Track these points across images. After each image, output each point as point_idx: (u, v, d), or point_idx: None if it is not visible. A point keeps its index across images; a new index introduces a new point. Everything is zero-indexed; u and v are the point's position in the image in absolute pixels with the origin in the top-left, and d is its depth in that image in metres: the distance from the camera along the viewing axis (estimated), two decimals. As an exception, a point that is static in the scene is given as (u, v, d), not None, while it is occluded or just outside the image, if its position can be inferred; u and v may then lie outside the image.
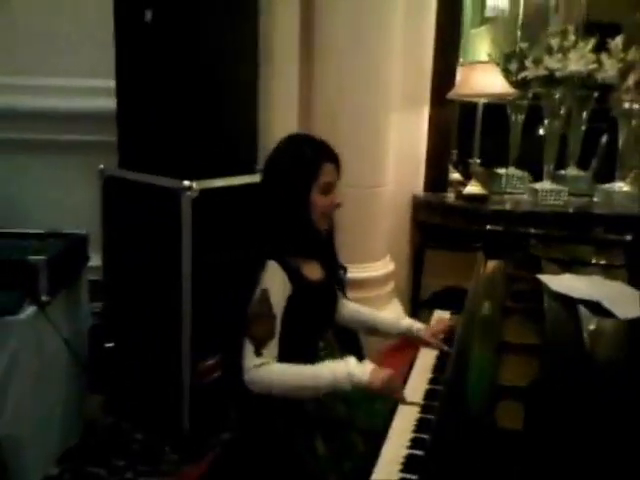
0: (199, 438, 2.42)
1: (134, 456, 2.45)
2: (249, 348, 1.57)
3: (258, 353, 1.56)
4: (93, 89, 2.88)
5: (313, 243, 1.75)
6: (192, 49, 2.36)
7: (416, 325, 1.93)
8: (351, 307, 1.95)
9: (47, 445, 2.28)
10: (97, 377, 2.59)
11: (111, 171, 2.60)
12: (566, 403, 1.15)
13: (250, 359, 1.57)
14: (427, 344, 1.88)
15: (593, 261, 2.04)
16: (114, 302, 2.67)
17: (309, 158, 1.67)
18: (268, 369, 1.56)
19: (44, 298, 2.14)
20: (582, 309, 1.52)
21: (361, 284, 3.06)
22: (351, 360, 1.61)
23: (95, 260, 2.65)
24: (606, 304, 1.54)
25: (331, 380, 1.56)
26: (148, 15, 2.39)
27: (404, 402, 1.57)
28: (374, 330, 1.96)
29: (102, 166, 2.60)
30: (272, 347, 1.58)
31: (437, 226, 3.37)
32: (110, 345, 2.60)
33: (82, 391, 2.56)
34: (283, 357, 1.60)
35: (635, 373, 1.26)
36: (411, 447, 1.38)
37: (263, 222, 1.69)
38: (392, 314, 3.19)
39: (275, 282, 1.61)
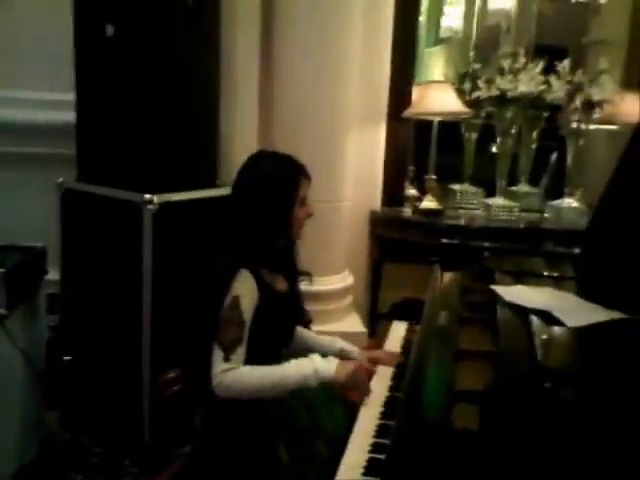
0: (159, 451, 2.40)
1: (93, 470, 2.42)
2: (218, 354, 1.60)
3: (226, 358, 1.59)
4: (52, 102, 2.86)
5: (282, 256, 1.80)
6: (153, 64, 2.38)
7: (350, 347, 1.95)
8: None
9: (3, 460, 2.24)
10: (55, 391, 2.56)
11: (70, 184, 2.59)
12: (518, 406, 1.20)
13: (218, 364, 1.59)
14: None
15: (544, 273, 2.12)
16: (72, 315, 2.64)
17: (290, 175, 1.73)
18: (235, 372, 1.60)
19: (2, 311, 2.11)
20: (534, 318, 1.59)
21: (320, 297, 3.10)
22: (316, 357, 1.66)
23: (53, 274, 2.63)
24: (556, 314, 1.60)
25: (298, 377, 1.61)
26: (109, 30, 2.40)
27: (368, 394, 1.64)
28: (311, 350, 1.98)
29: (61, 179, 2.59)
30: (240, 353, 1.61)
31: (394, 240, 3.45)
32: (68, 358, 2.57)
33: (39, 405, 2.52)
34: (248, 364, 1.63)
35: (581, 378, 1.33)
36: (372, 451, 1.42)
37: (237, 235, 1.73)
38: (351, 327, 3.26)
39: (246, 290, 1.64)
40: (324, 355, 1.96)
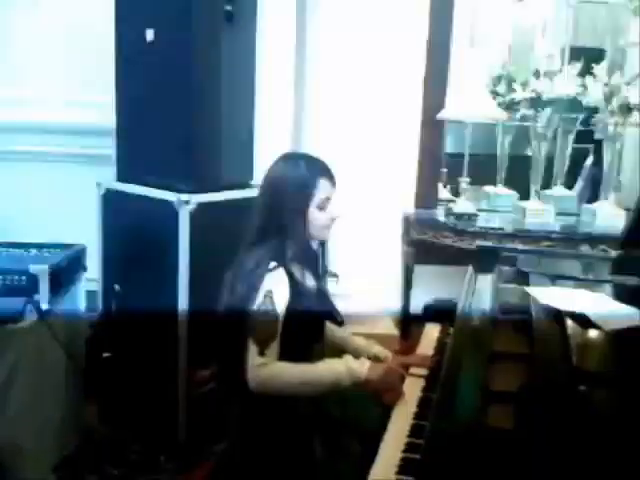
0: (195, 448, 2.45)
1: (130, 465, 2.48)
2: (252, 348, 1.63)
3: (261, 353, 1.62)
4: (92, 104, 2.93)
5: (309, 253, 1.82)
6: (191, 68, 2.43)
7: (384, 353, 1.97)
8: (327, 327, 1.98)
9: (45, 453, 2.30)
10: (94, 386, 2.62)
11: (109, 184, 2.65)
12: (553, 407, 1.21)
13: (253, 359, 1.62)
14: None
15: (580, 276, 2.11)
16: (111, 313, 2.70)
17: (305, 176, 1.74)
18: (271, 368, 1.62)
19: (45, 306, 2.17)
20: (569, 320, 1.58)
21: (352, 299, 3.11)
22: (349, 357, 1.69)
23: (92, 271, 2.69)
24: (593, 316, 1.60)
25: (332, 377, 1.64)
26: (150, 34, 2.45)
27: (401, 397, 1.65)
28: (344, 350, 1.99)
29: (101, 179, 2.65)
30: (274, 347, 1.64)
31: (427, 243, 3.44)
32: (107, 355, 2.63)
33: (79, 400, 2.59)
34: (281, 359, 1.66)
35: (619, 380, 1.32)
36: (406, 451, 1.43)
37: (265, 233, 1.76)
38: (383, 329, 3.27)
39: (278, 285, 1.67)
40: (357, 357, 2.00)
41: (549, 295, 1.76)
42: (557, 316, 1.61)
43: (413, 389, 1.74)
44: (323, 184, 1.75)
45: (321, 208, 1.75)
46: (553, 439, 1.10)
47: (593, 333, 1.55)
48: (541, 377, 1.32)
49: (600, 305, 1.72)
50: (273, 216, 1.75)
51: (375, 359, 1.96)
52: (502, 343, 1.61)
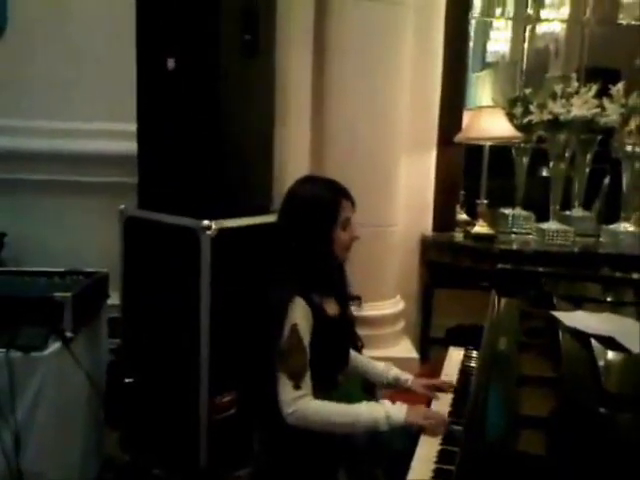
0: (216, 474, 2.44)
1: (151, 492, 2.48)
2: (287, 383, 1.63)
3: (297, 387, 1.63)
4: (114, 132, 2.97)
5: (332, 279, 1.82)
6: (212, 97, 2.45)
7: (404, 376, 1.97)
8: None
9: (67, 479, 2.30)
10: (115, 412, 2.62)
11: (131, 211, 2.67)
12: (585, 432, 1.19)
13: (289, 393, 1.63)
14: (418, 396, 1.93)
15: (604, 298, 2.10)
16: (133, 339, 2.71)
17: (329, 198, 1.77)
18: (309, 403, 1.64)
19: (69, 334, 2.18)
20: (596, 344, 1.57)
21: (372, 322, 3.11)
22: (387, 402, 1.69)
23: (114, 298, 2.71)
24: (620, 339, 1.59)
25: (371, 421, 1.63)
26: (171, 63, 2.49)
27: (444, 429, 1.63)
28: (365, 376, 2.00)
29: (123, 206, 2.67)
30: (308, 379, 1.65)
31: (446, 265, 3.44)
32: (129, 381, 2.63)
33: (101, 427, 2.59)
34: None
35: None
36: (434, 477, 1.43)
37: (287, 261, 1.76)
38: (403, 353, 3.25)
39: (302, 317, 1.67)
40: (378, 382, 1.99)
41: (574, 318, 1.75)
42: (584, 339, 1.61)
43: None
44: (345, 204, 1.78)
45: (344, 228, 1.77)
46: (583, 465, 1.09)
47: (621, 356, 1.54)
48: (570, 400, 1.31)
49: (626, 328, 1.71)
50: (296, 239, 1.76)
51: (395, 382, 1.96)
52: (530, 367, 1.60)
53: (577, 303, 1.95)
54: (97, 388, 2.45)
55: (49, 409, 2.12)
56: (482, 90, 5.34)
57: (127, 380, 2.62)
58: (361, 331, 2.10)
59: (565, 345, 1.59)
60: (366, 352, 2.13)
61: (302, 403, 1.63)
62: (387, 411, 1.64)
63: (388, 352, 3.10)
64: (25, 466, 2.09)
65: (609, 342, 1.58)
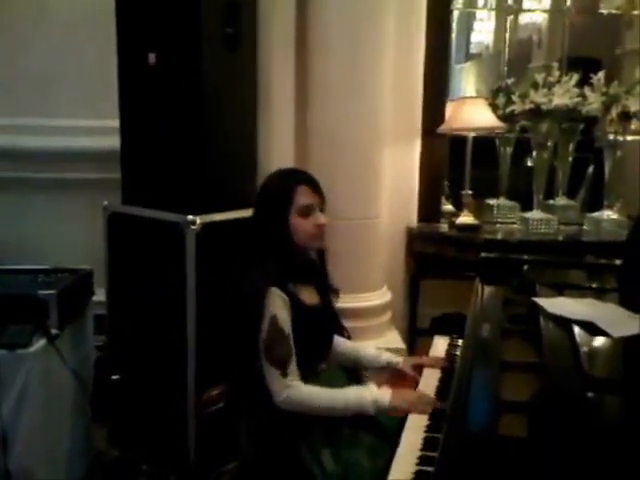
0: (204, 468, 2.44)
1: (140, 487, 2.48)
2: (274, 373, 1.66)
3: (284, 374, 1.65)
4: (97, 129, 2.96)
5: (304, 267, 1.83)
6: (194, 91, 2.45)
7: (395, 359, 2.01)
8: (335, 340, 1.99)
9: (55, 476, 2.30)
10: (102, 409, 2.62)
11: (115, 207, 2.67)
12: (566, 415, 1.21)
13: (279, 381, 1.66)
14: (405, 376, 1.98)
15: (586, 285, 2.12)
16: (119, 335, 2.71)
17: (282, 184, 1.79)
18: (299, 388, 1.67)
19: (54, 331, 2.18)
20: (577, 329, 1.59)
21: (359, 314, 3.11)
22: (373, 387, 1.72)
23: (99, 295, 2.70)
24: (600, 324, 1.61)
25: (358, 405, 1.68)
26: (152, 58, 2.48)
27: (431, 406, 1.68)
28: (357, 363, 2.02)
29: (106, 202, 2.67)
30: (294, 366, 1.68)
31: (431, 256, 3.45)
32: (116, 377, 2.63)
33: (88, 423, 2.59)
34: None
35: (628, 387, 1.33)
36: (420, 464, 1.44)
37: (258, 251, 1.77)
38: (391, 343, 3.26)
39: (280, 306, 1.69)
40: (370, 367, 2.01)
41: (556, 304, 1.77)
42: (565, 324, 1.63)
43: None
44: (301, 190, 1.77)
45: (303, 215, 1.76)
46: (565, 447, 1.10)
47: (602, 341, 1.56)
48: (553, 386, 1.33)
49: (608, 313, 1.73)
50: (260, 230, 1.79)
51: (388, 366, 1.98)
52: (512, 353, 1.62)
53: (559, 290, 1.96)
54: (84, 385, 2.45)
55: (35, 406, 2.13)
56: (466, 81, 5.37)
57: (114, 377, 2.62)
58: (348, 323, 2.11)
59: (546, 331, 1.61)
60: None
61: (292, 389, 1.66)
62: (374, 395, 1.68)
63: (376, 343, 3.09)
64: (12, 463, 2.09)
65: (590, 327, 1.60)
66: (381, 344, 3.13)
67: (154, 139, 2.55)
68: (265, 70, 2.98)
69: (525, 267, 2.24)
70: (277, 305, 1.69)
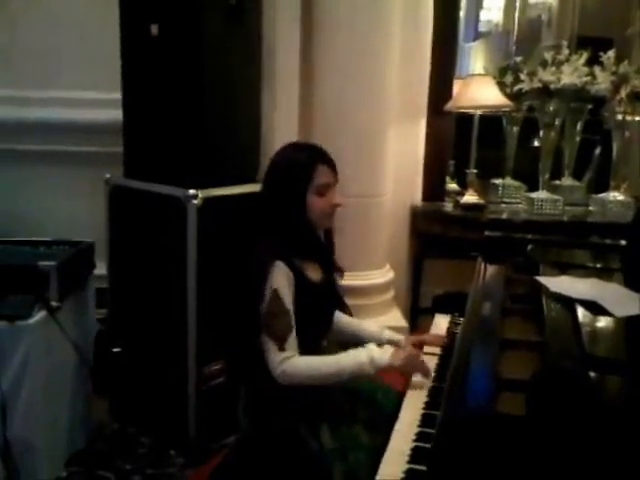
0: (204, 442, 2.45)
1: (141, 460, 2.48)
2: (272, 346, 1.64)
3: (281, 348, 1.64)
4: (99, 101, 2.93)
5: (312, 244, 1.82)
6: (197, 63, 2.42)
7: (396, 337, 1.98)
8: (336, 316, 1.97)
9: (56, 448, 2.32)
10: (103, 382, 2.63)
11: (117, 181, 2.65)
12: (566, 393, 1.20)
13: (276, 355, 1.64)
14: None
15: (590, 265, 2.10)
16: (120, 308, 2.71)
17: (303, 161, 1.74)
18: (295, 361, 1.65)
19: (54, 303, 2.18)
20: (580, 308, 1.58)
21: (362, 292, 3.11)
22: (372, 347, 1.70)
23: (101, 268, 2.70)
24: (603, 303, 1.59)
25: (355, 367, 1.66)
26: (154, 29, 2.45)
27: (429, 375, 1.70)
28: (358, 340, 2.00)
29: (108, 176, 2.65)
30: (292, 340, 1.66)
31: (435, 235, 3.43)
32: (117, 350, 2.64)
33: (89, 395, 2.60)
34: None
35: (630, 366, 1.32)
36: (417, 440, 1.43)
37: (267, 226, 1.76)
38: (393, 322, 3.25)
39: (283, 281, 1.67)
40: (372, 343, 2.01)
41: (559, 283, 1.76)
42: (568, 303, 1.61)
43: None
44: (322, 169, 1.74)
45: (320, 194, 1.74)
46: (563, 426, 1.10)
47: (604, 320, 1.54)
48: (554, 363, 1.32)
49: (610, 292, 1.72)
50: (273, 204, 1.75)
51: (389, 343, 1.97)
52: (513, 331, 1.61)
53: (563, 269, 1.95)
54: (84, 357, 2.45)
55: (35, 378, 2.13)
56: (475, 60, 5.30)
57: (115, 350, 2.63)
58: (351, 301, 2.10)
59: (548, 309, 1.59)
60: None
61: (289, 363, 1.64)
62: (371, 355, 1.66)
63: (378, 321, 3.10)
64: (12, 435, 2.10)
65: (592, 306, 1.59)
66: (383, 322, 3.14)
67: (157, 112, 2.53)
68: (269, 43, 2.94)
69: (530, 246, 2.22)
70: (280, 279, 1.67)
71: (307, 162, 1.73)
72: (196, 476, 2.16)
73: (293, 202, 1.73)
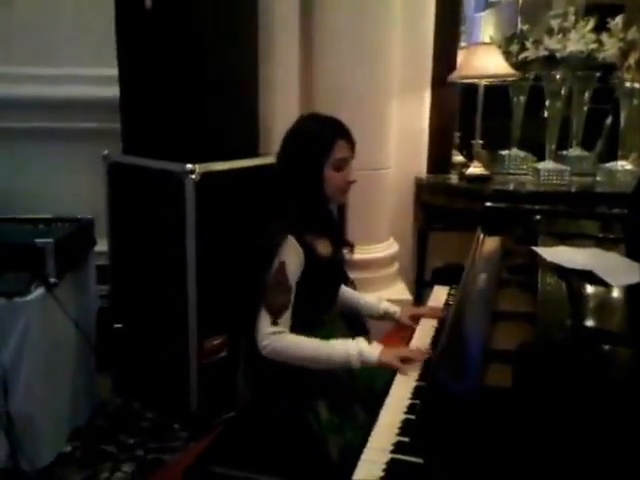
0: (207, 415, 2.46)
1: (144, 434, 2.51)
2: (265, 317, 1.63)
3: (274, 322, 1.63)
4: (96, 77, 2.91)
5: (326, 219, 1.80)
6: (192, 35, 2.40)
7: (393, 308, 1.99)
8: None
9: (58, 424, 2.34)
10: (106, 358, 2.64)
11: (115, 157, 2.64)
12: (555, 363, 1.18)
13: (266, 327, 1.63)
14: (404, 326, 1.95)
15: (591, 234, 2.07)
16: (121, 284, 2.72)
17: (324, 134, 1.72)
18: (284, 337, 1.64)
19: (52, 280, 2.18)
20: (575, 278, 1.55)
21: (366, 265, 3.10)
22: (362, 341, 1.67)
23: (102, 245, 2.70)
24: (599, 273, 1.56)
25: (343, 358, 1.63)
26: (148, 2, 2.42)
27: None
28: (357, 311, 2.00)
29: (106, 152, 2.64)
30: (287, 317, 1.65)
31: (440, 207, 3.40)
32: (118, 326, 2.65)
33: (91, 371, 2.62)
34: (291, 330, 1.66)
35: (622, 337, 1.29)
36: (408, 412, 1.42)
37: (281, 198, 1.74)
38: (397, 294, 3.24)
39: (292, 256, 1.66)
40: (370, 315, 1.99)
41: (556, 253, 1.73)
42: (563, 274, 1.58)
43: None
44: (340, 144, 1.72)
45: (337, 169, 1.72)
46: (548, 395, 1.08)
47: (599, 290, 1.51)
48: (541, 335, 1.29)
49: (609, 262, 1.69)
50: (289, 176, 1.73)
51: (385, 315, 1.96)
52: (508, 302, 1.59)
53: (563, 239, 1.91)
54: (85, 334, 2.47)
55: (35, 354, 2.14)
56: (485, 30, 5.20)
57: (116, 325, 2.64)
58: (355, 274, 2.09)
59: (542, 280, 1.57)
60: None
61: (276, 338, 1.63)
62: (360, 349, 1.63)
63: (382, 294, 3.07)
64: (14, 410, 2.12)
65: (589, 276, 1.56)
66: (387, 295, 3.12)
67: (153, 87, 2.51)
68: (268, 17, 2.90)
69: (535, 217, 2.19)
70: (289, 254, 1.66)
71: (328, 135, 1.71)
72: (197, 447, 2.17)
73: (310, 174, 1.71)
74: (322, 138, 1.71)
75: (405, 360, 1.62)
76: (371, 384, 1.74)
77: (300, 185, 1.72)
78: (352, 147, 1.76)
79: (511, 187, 3.37)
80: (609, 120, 3.87)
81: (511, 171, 3.64)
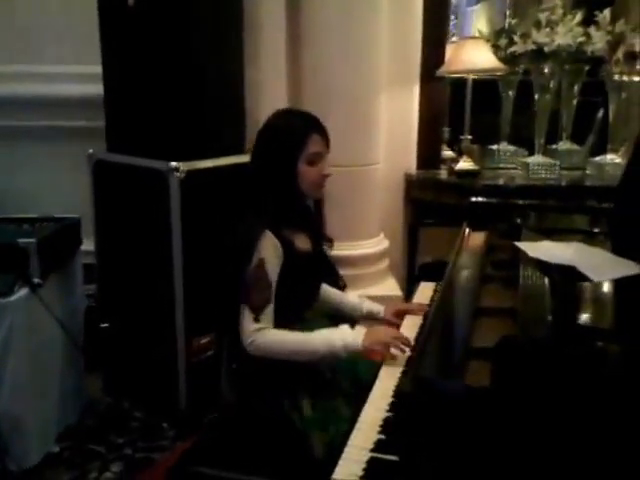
0: (196, 414, 2.46)
1: (133, 433, 2.50)
2: (248, 314, 1.64)
3: (257, 319, 1.63)
4: (80, 75, 2.89)
5: (302, 214, 1.79)
6: (175, 33, 2.38)
7: (376, 308, 1.98)
8: (321, 288, 1.95)
9: (46, 424, 2.34)
10: (94, 357, 2.63)
11: (100, 155, 2.63)
12: (533, 359, 1.17)
13: (249, 324, 1.63)
14: (389, 324, 1.93)
15: (576, 229, 2.06)
16: (108, 283, 2.71)
17: (297, 128, 1.71)
18: (267, 333, 1.64)
19: (36, 280, 2.17)
20: (556, 273, 1.55)
21: (356, 261, 3.10)
22: (345, 328, 1.67)
23: (88, 244, 2.69)
24: (581, 268, 1.56)
25: (327, 348, 1.63)
26: (130, 0, 2.40)
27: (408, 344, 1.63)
28: (339, 311, 1.99)
29: (91, 150, 2.63)
30: (269, 313, 1.65)
31: (430, 203, 3.39)
32: (105, 325, 2.64)
33: (80, 371, 2.61)
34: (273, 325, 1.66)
35: (602, 332, 1.29)
36: (390, 410, 1.41)
37: (257, 194, 1.73)
38: (387, 291, 3.23)
39: (270, 251, 1.66)
40: (352, 316, 1.99)
41: (539, 248, 1.72)
42: (544, 269, 1.58)
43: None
44: (314, 139, 1.71)
45: (311, 163, 1.72)
46: (526, 394, 1.07)
47: (580, 285, 1.51)
48: (520, 331, 1.29)
49: (591, 257, 1.68)
50: (263, 171, 1.72)
51: (368, 315, 1.96)
52: (490, 298, 1.58)
53: (546, 234, 1.91)
54: (71, 334, 2.45)
55: (21, 354, 2.14)
56: (477, 24, 5.19)
57: (103, 325, 2.63)
58: (345, 270, 2.08)
59: (524, 275, 1.56)
60: (350, 291, 2.11)
61: (260, 334, 1.63)
62: (344, 338, 1.63)
63: (372, 290, 3.08)
64: (2, 409, 2.11)
65: (571, 271, 1.55)
66: (378, 292, 3.12)
67: (137, 85, 2.49)
68: (254, 14, 2.89)
69: (526, 212, 2.19)
70: (268, 250, 1.66)
71: (301, 129, 1.71)
72: (184, 445, 2.17)
73: (284, 169, 1.70)
74: (296, 132, 1.70)
75: (388, 344, 1.62)
76: (354, 373, 1.75)
77: (275, 180, 1.71)
78: (326, 142, 1.75)
79: (501, 182, 3.36)
80: (600, 113, 3.86)
81: (501, 166, 3.63)
